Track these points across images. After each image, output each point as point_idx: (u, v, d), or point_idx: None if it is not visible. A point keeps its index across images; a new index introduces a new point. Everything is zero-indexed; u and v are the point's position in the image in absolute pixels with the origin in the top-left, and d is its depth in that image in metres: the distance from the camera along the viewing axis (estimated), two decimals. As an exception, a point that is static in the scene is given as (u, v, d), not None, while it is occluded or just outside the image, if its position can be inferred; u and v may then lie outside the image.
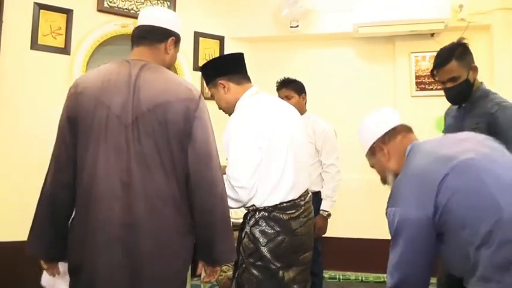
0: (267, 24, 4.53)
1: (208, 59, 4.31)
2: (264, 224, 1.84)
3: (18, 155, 3.35)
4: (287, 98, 3.01)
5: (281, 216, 1.85)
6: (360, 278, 4.15)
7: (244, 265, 1.86)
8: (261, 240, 1.83)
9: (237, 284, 1.91)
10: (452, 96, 2.23)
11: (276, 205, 1.85)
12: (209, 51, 4.45)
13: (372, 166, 1.80)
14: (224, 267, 3.36)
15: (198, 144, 1.51)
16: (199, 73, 4.37)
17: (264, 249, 1.82)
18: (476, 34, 4.16)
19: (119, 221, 1.44)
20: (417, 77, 4.31)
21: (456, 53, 2.17)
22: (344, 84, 4.52)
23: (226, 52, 4.51)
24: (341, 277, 4.17)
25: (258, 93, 2.05)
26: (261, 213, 1.85)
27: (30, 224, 1.60)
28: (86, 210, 1.48)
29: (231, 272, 2.61)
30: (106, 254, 1.45)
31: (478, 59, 4.17)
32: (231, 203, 1.77)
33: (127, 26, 3.89)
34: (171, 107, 1.48)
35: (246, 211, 1.97)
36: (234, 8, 4.54)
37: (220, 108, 2.16)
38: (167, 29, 1.68)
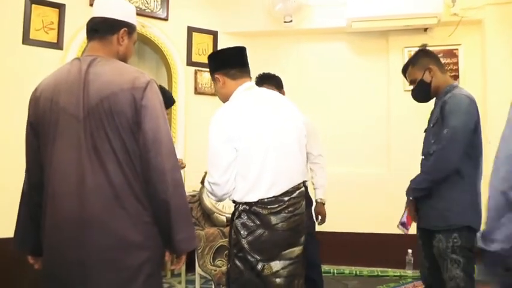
0: (260, 19, 4.52)
1: (201, 54, 4.39)
2: (246, 217, 1.87)
3: (8, 151, 3.32)
4: None
5: (261, 211, 1.86)
6: (354, 272, 4.17)
7: (231, 256, 1.92)
8: (241, 232, 1.86)
9: (227, 273, 1.99)
10: (413, 95, 2.49)
11: (256, 201, 1.86)
12: (202, 46, 4.44)
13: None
14: (218, 262, 3.37)
15: (147, 133, 1.48)
16: (193, 68, 4.40)
17: (244, 241, 1.86)
18: (469, 29, 4.20)
19: (74, 218, 1.45)
20: (410, 72, 4.33)
21: (413, 59, 2.43)
22: (337, 79, 4.54)
23: (219, 47, 4.50)
24: (335, 271, 4.19)
25: (251, 89, 2.02)
26: (243, 206, 1.88)
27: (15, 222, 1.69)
28: (45, 209, 1.52)
29: (226, 267, 2.62)
30: (62, 252, 1.47)
31: (470, 53, 4.26)
32: (210, 196, 1.94)
33: (120, 20, 3.87)
34: (117, 98, 1.47)
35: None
36: (227, 3, 4.53)
37: (221, 100, 2.14)
38: (119, 20, 1.64)
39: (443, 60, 4.22)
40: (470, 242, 2.19)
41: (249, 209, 1.86)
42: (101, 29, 1.63)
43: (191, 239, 1.59)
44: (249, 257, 1.85)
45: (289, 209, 1.91)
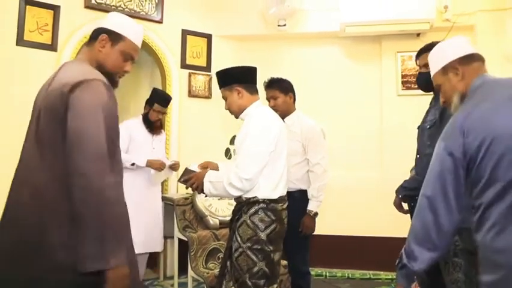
0: (254, 23, 4.55)
1: (195, 57, 4.40)
2: (263, 213, 2.16)
3: (2, 153, 3.31)
4: (273, 98, 3.04)
5: (277, 207, 2.21)
6: (346, 275, 4.18)
7: (240, 249, 2.16)
8: (260, 226, 2.15)
9: (233, 266, 2.20)
10: (421, 79, 2.49)
11: (276, 198, 2.21)
12: (196, 49, 4.45)
13: (437, 86, 1.84)
14: (211, 265, 3.37)
15: (69, 133, 1.43)
16: (187, 71, 4.40)
17: (262, 234, 2.15)
18: (461, 34, 4.21)
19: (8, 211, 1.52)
20: (403, 76, 4.37)
21: (432, 47, 2.35)
22: (330, 83, 4.57)
23: (213, 50, 4.53)
24: (327, 274, 4.21)
25: (261, 106, 2.35)
26: (261, 204, 2.17)
27: None
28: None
29: (217, 270, 2.62)
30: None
31: (462, 59, 4.28)
32: (232, 190, 2.13)
33: (115, 23, 3.87)
34: (52, 94, 1.50)
35: (236, 206, 2.29)
36: (221, 6, 4.55)
37: (229, 109, 2.40)
38: (104, 28, 1.68)
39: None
40: (471, 244, 2.21)
41: (266, 206, 2.17)
42: (91, 36, 1.70)
43: (97, 258, 1.34)
44: (266, 248, 2.15)
45: (286, 206, 2.31)
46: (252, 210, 2.17)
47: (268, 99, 3.07)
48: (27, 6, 3.55)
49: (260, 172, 2.13)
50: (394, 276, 4.06)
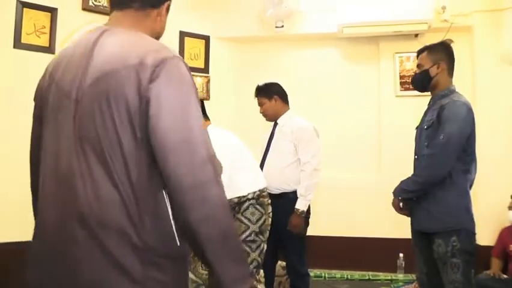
0: (252, 24, 4.54)
1: (193, 59, 4.39)
2: (253, 208, 2.49)
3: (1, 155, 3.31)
4: (260, 105, 3.16)
5: (264, 201, 2.57)
6: (345, 276, 4.18)
7: None
8: (252, 220, 2.46)
9: None
10: (413, 79, 2.59)
11: (261, 192, 2.57)
12: (194, 50, 4.45)
13: None
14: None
15: (161, 134, 1.06)
16: (185, 73, 4.39)
17: (255, 226, 2.46)
18: (458, 35, 4.23)
19: (53, 234, 1.13)
20: (401, 77, 4.36)
21: (432, 47, 2.46)
22: (328, 84, 4.56)
23: (211, 52, 4.53)
24: (326, 275, 4.20)
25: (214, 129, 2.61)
26: (251, 201, 2.49)
27: None
28: (36, 213, 1.25)
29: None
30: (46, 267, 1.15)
31: (460, 59, 4.26)
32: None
33: (112, 25, 3.87)
34: (116, 77, 1.09)
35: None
36: (219, 8, 4.53)
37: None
38: None
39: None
40: (470, 245, 2.22)
41: (256, 201, 2.50)
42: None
43: (238, 279, 1.09)
44: (257, 238, 2.46)
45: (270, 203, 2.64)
46: (243, 207, 2.48)
47: (258, 105, 3.20)
48: (24, 9, 3.53)
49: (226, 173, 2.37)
50: (393, 277, 4.09)
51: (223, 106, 4.39)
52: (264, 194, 2.59)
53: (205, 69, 4.49)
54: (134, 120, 1.08)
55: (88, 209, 1.07)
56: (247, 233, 2.45)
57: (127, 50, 1.13)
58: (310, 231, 4.11)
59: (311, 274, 4.11)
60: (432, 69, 2.39)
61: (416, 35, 4.30)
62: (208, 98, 4.46)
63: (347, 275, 4.19)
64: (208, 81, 4.48)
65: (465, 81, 4.23)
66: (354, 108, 4.50)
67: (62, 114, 1.16)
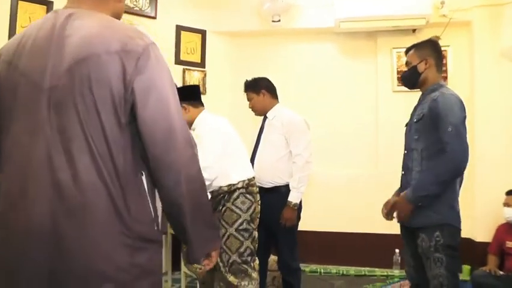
0: (249, 19, 4.51)
1: (190, 53, 4.37)
2: (243, 197, 2.57)
3: None
4: (249, 100, 3.17)
5: (253, 190, 2.64)
6: (341, 272, 4.16)
7: (228, 233, 2.52)
8: (243, 208, 2.55)
9: (222, 252, 2.49)
10: (402, 77, 2.63)
11: (250, 181, 2.63)
12: (191, 45, 4.43)
13: None
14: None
15: (149, 122, 1.10)
16: (181, 67, 4.38)
17: (246, 215, 2.55)
18: (457, 30, 4.21)
19: (36, 231, 1.07)
20: (398, 73, 4.32)
21: (419, 45, 2.47)
22: (325, 80, 4.54)
23: (208, 46, 4.51)
24: (322, 271, 4.18)
25: (205, 113, 2.74)
26: (240, 190, 2.56)
27: None
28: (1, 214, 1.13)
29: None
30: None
31: (459, 54, 4.27)
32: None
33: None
34: (99, 62, 1.07)
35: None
36: (215, 2, 4.51)
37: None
38: None
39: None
40: (454, 240, 2.21)
41: (246, 190, 2.58)
42: None
43: (207, 241, 1.32)
44: (249, 227, 2.55)
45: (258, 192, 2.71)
46: (234, 196, 2.55)
47: (247, 100, 3.20)
48: (20, 2, 3.52)
49: (219, 159, 2.47)
50: (389, 273, 4.09)
51: (219, 100, 4.38)
52: (252, 182, 2.66)
53: (202, 64, 4.48)
54: (118, 106, 1.08)
55: (73, 202, 1.06)
56: (240, 221, 2.53)
57: (104, 34, 1.11)
58: (307, 227, 4.12)
59: (307, 269, 4.14)
60: (420, 66, 2.39)
61: (414, 30, 4.26)
62: (204, 92, 4.44)
63: (343, 271, 4.17)
64: (205, 76, 4.46)
65: (464, 77, 4.22)
66: (351, 103, 4.48)
67: (28, 104, 1.11)
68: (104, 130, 1.07)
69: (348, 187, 4.35)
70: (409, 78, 2.49)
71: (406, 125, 2.55)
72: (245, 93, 3.18)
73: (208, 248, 1.35)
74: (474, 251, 3.90)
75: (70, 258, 1.06)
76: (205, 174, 2.22)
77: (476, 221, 3.97)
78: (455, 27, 4.15)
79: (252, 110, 3.20)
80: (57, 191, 1.06)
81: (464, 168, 2.20)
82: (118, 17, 1.31)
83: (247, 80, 3.18)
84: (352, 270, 4.18)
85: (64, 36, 1.11)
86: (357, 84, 4.49)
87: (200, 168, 1.27)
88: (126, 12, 3.99)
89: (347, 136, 4.44)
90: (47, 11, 3.62)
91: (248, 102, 3.19)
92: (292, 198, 2.93)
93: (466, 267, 3.92)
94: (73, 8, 1.20)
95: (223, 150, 2.53)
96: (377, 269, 4.16)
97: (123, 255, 1.10)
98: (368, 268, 4.19)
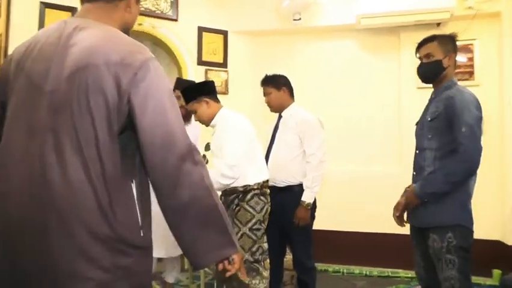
0: (270, 18, 4.53)
1: (212, 54, 4.43)
2: (257, 198, 2.60)
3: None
4: (267, 94, 3.15)
5: (266, 191, 2.68)
6: (364, 272, 4.10)
7: (241, 232, 2.56)
8: (257, 209, 2.59)
9: None
10: (422, 70, 2.41)
11: (264, 183, 2.67)
12: (213, 45, 4.49)
13: None
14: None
15: (147, 132, 1.15)
16: (203, 67, 4.44)
17: (259, 215, 2.59)
18: (485, 22, 4.05)
19: (19, 225, 1.13)
20: (423, 69, 4.21)
21: (443, 37, 2.36)
22: (347, 77, 4.48)
23: (230, 46, 4.55)
24: (344, 271, 4.13)
25: (227, 110, 2.76)
26: (255, 191, 2.59)
27: None
28: None
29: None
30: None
31: (487, 48, 4.10)
32: (224, 180, 2.48)
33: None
34: (97, 72, 1.13)
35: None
36: (236, 2, 4.55)
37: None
38: None
39: (457, 56, 4.11)
40: (466, 241, 2.14)
41: (260, 191, 2.61)
42: None
43: (219, 246, 1.27)
44: (261, 226, 2.60)
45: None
46: (248, 196, 2.59)
47: (264, 95, 3.18)
48: (47, 9, 3.70)
49: (242, 158, 2.50)
50: (413, 275, 3.96)
51: (241, 100, 4.41)
52: (265, 184, 2.69)
53: (224, 64, 4.53)
54: (111, 115, 1.14)
55: (60, 200, 1.10)
56: (253, 221, 2.58)
57: (106, 46, 1.17)
58: (330, 226, 4.09)
59: (329, 269, 4.11)
60: (446, 61, 2.30)
61: (438, 24, 4.12)
62: (226, 92, 4.49)
63: (366, 271, 4.10)
64: (227, 76, 4.51)
65: (492, 73, 4.05)
66: (374, 100, 4.40)
67: (30, 104, 1.18)
68: (96, 135, 1.13)
69: (371, 186, 4.27)
70: (432, 72, 2.35)
71: (417, 124, 2.48)
72: (263, 87, 3.17)
73: (221, 254, 1.28)
74: (505, 255, 3.73)
75: (52, 253, 1.10)
76: (230, 173, 2.45)
77: (508, 224, 3.80)
78: (482, 19, 4.00)
79: (268, 105, 3.19)
80: (47, 188, 1.11)
81: (475, 169, 2.13)
82: (128, 26, 1.38)
83: (267, 74, 3.18)
84: (375, 271, 4.10)
85: (68, 45, 1.19)
86: (379, 81, 4.40)
87: (204, 175, 1.24)
88: (148, 15, 4.11)
89: (370, 133, 4.36)
90: (72, 16, 3.77)
91: (264, 98, 3.19)
92: (306, 197, 2.92)
93: (496, 272, 3.77)
94: (81, 18, 1.29)
95: (243, 151, 2.56)
96: (400, 271, 4.06)
97: (105, 255, 1.13)
98: (391, 269, 4.10)
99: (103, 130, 1.13)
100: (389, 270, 4.10)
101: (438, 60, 2.30)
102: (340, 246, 4.22)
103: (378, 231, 4.19)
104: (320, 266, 4.18)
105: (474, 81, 4.02)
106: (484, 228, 3.80)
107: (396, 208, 2.42)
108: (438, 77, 2.34)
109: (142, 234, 1.22)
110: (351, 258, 4.23)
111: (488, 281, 3.75)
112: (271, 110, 3.21)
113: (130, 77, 1.14)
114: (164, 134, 1.17)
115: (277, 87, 3.12)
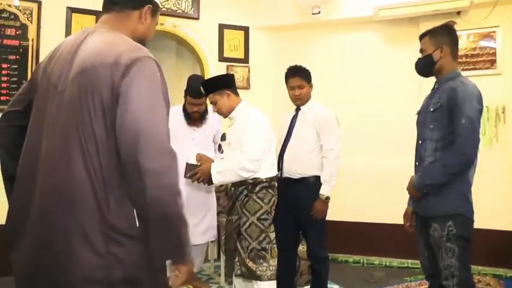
0: (289, 12, 4.58)
1: (233, 50, 4.53)
2: (266, 190, 2.67)
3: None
4: (300, 87, 3.11)
5: (274, 184, 2.74)
6: (384, 263, 4.13)
7: (249, 221, 2.64)
8: (265, 200, 2.65)
9: (242, 239, 2.64)
10: (416, 65, 2.51)
11: (273, 176, 2.73)
12: (234, 42, 4.60)
13: None
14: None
15: (125, 126, 1.22)
16: (225, 63, 4.56)
17: (267, 206, 2.66)
18: (508, 8, 3.94)
19: (23, 211, 1.33)
20: (445, 58, 4.14)
21: (433, 32, 2.40)
22: (367, 69, 4.48)
23: (250, 42, 4.63)
24: (364, 262, 4.19)
25: (247, 105, 2.80)
26: (264, 183, 2.66)
27: None
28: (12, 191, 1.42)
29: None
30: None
31: (509, 35, 3.98)
32: (244, 173, 2.54)
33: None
34: (95, 73, 1.26)
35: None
36: (256, -2, 4.62)
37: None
38: None
39: (478, 45, 4.02)
40: (466, 230, 2.17)
41: (268, 184, 2.67)
42: (122, 1, 1.45)
43: (168, 252, 1.31)
44: (268, 217, 2.67)
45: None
46: (257, 188, 2.65)
47: (292, 87, 3.14)
48: (73, 14, 3.92)
49: (262, 154, 2.57)
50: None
51: (263, 94, 4.51)
52: (274, 177, 2.75)
53: (245, 60, 4.63)
54: (106, 113, 1.25)
55: (64, 186, 1.25)
56: (261, 211, 2.65)
57: (105, 49, 1.29)
58: (351, 217, 4.13)
59: (350, 260, 4.16)
60: (436, 54, 2.33)
61: (459, 13, 4.05)
62: (248, 87, 4.60)
63: (386, 262, 4.13)
64: (249, 71, 4.61)
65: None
66: (393, 93, 4.38)
67: (48, 103, 1.33)
68: (94, 131, 1.25)
69: (390, 177, 4.24)
70: (424, 67, 2.42)
71: (418, 113, 2.50)
72: (294, 79, 3.12)
73: (168, 259, 1.33)
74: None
75: (54, 236, 1.25)
76: (251, 167, 2.55)
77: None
78: (505, 4, 3.89)
79: (298, 98, 3.14)
80: (53, 177, 1.27)
81: (472, 161, 2.17)
82: (141, 37, 1.48)
83: (301, 66, 3.16)
84: (395, 262, 4.13)
85: (78, 51, 1.33)
86: (399, 73, 4.35)
87: (174, 180, 1.27)
88: (169, 15, 4.26)
89: (390, 125, 4.34)
90: (96, 20, 3.96)
91: (291, 91, 3.16)
92: (324, 191, 3.00)
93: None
94: (98, 27, 1.43)
95: (264, 147, 2.62)
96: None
97: (99, 240, 1.23)
98: (411, 260, 4.10)
99: (100, 127, 1.24)
100: (409, 261, 4.11)
101: (429, 55, 2.35)
102: (360, 237, 4.26)
103: (399, 223, 4.18)
104: (340, 256, 4.26)
105: (496, 69, 3.93)
106: (509, 220, 3.75)
107: (405, 217, 2.52)
108: (432, 71, 2.38)
109: (137, 225, 1.28)
110: (371, 249, 4.27)
111: (510, 273, 3.70)
112: (299, 104, 3.17)
113: (119, 74, 1.24)
114: (133, 128, 1.22)
115: (309, 81, 3.15)
